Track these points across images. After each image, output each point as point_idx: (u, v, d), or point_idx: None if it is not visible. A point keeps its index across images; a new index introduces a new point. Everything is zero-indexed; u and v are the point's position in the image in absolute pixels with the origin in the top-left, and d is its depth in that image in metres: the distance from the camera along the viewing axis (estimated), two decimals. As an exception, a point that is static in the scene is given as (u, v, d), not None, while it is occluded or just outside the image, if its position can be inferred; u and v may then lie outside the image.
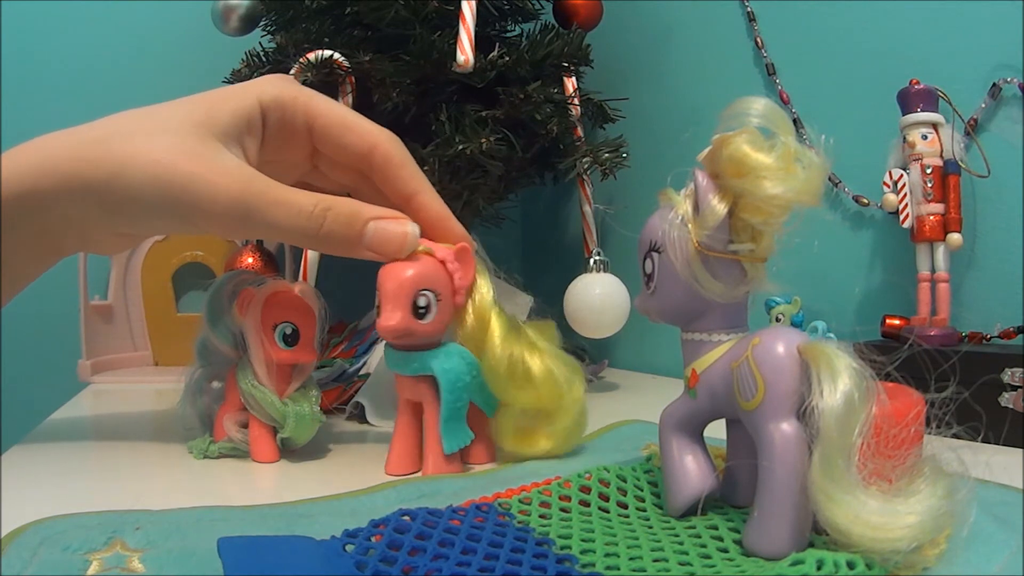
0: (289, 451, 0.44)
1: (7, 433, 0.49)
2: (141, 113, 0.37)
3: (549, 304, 0.77)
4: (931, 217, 0.55)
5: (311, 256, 0.62)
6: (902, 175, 0.56)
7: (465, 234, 0.42)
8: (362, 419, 0.54)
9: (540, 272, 1.09)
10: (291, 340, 0.42)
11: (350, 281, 0.79)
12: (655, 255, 0.30)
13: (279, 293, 0.42)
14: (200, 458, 0.43)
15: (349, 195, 0.40)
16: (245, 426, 0.43)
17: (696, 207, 0.28)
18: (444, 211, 0.41)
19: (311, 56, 0.63)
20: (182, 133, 0.36)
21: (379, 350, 0.67)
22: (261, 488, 0.38)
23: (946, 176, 0.55)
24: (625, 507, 0.32)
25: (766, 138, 0.27)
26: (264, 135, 0.39)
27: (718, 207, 0.27)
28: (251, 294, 0.42)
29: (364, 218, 0.37)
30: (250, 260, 0.79)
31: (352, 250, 0.38)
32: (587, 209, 0.73)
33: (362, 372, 0.64)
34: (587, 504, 0.32)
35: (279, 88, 0.39)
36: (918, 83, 0.56)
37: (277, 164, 0.41)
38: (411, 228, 0.38)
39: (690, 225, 0.28)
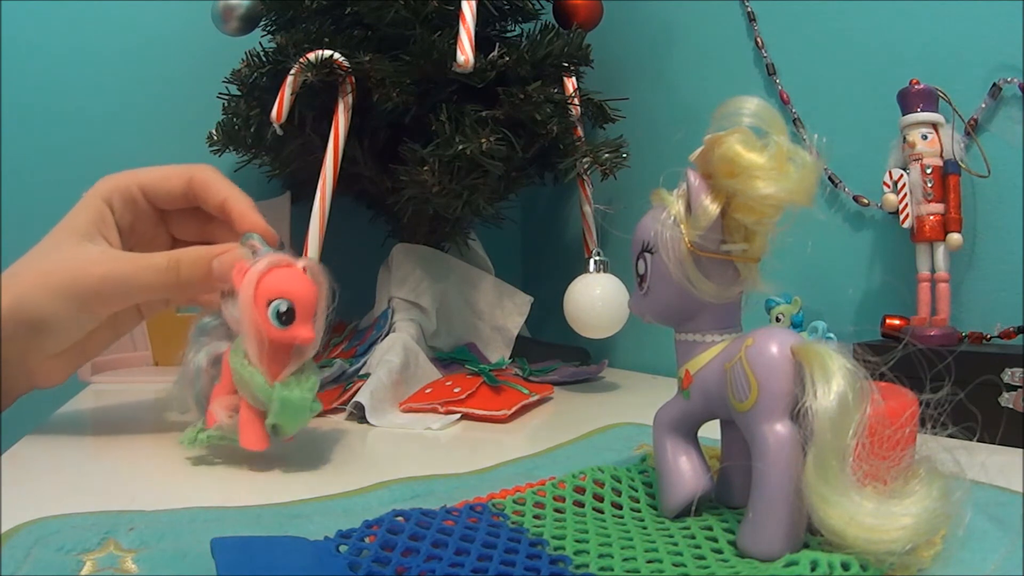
0: (282, 444, 0.41)
1: (7, 433, 0.49)
2: (28, 253, 0.46)
3: (549, 304, 0.77)
4: (931, 217, 0.55)
5: (311, 248, 0.62)
6: (902, 175, 0.56)
7: (263, 225, 0.47)
8: (362, 419, 0.54)
9: (540, 272, 1.09)
10: (286, 318, 0.39)
11: (350, 281, 0.79)
12: (648, 256, 0.30)
13: (278, 267, 0.40)
14: (190, 447, 0.41)
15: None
16: (238, 411, 0.41)
17: (688, 207, 0.28)
18: (247, 209, 0.48)
19: (311, 56, 0.63)
20: (55, 248, 0.45)
21: (379, 350, 0.67)
22: (259, 488, 0.38)
23: (946, 176, 0.55)
24: (619, 507, 0.32)
25: (759, 137, 0.27)
26: (119, 221, 0.48)
27: (710, 207, 0.27)
28: (245, 266, 0.40)
29: (210, 257, 0.44)
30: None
31: (209, 287, 0.45)
32: (587, 209, 0.73)
33: (362, 372, 0.64)
34: (581, 504, 0.32)
35: (114, 180, 0.48)
36: (918, 83, 0.56)
37: (140, 244, 0.49)
38: (242, 251, 0.44)
39: (682, 225, 0.28)
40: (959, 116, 0.57)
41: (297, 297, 0.39)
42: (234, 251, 0.44)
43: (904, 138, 0.56)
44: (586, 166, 0.70)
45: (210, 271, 0.44)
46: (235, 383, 0.40)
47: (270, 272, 0.39)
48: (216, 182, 0.49)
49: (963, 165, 0.55)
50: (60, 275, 0.43)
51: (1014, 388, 0.45)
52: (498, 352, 0.79)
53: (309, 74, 0.63)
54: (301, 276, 0.40)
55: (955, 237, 0.54)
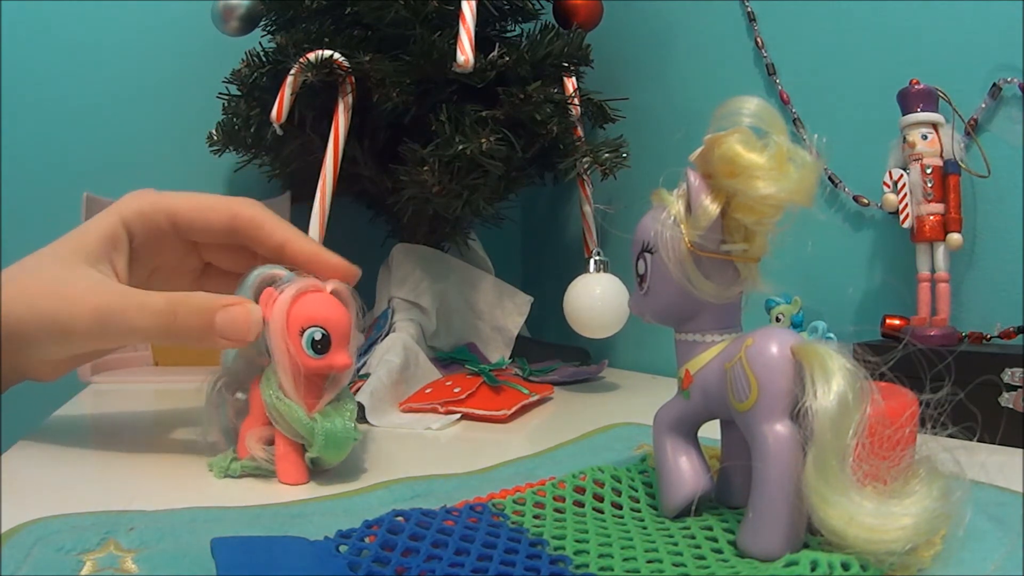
0: (320, 472, 0.39)
1: (7, 433, 0.49)
2: (31, 256, 0.42)
3: (549, 304, 0.77)
4: (931, 217, 0.55)
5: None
6: (902, 175, 0.56)
7: (342, 263, 0.43)
8: (362, 419, 0.54)
9: (540, 272, 1.09)
10: (321, 347, 0.37)
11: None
12: (648, 256, 0.30)
13: (307, 293, 0.38)
14: (221, 477, 0.38)
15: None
16: (271, 443, 0.39)
17: (688, 207, 0.28)
18: (316, 249, 0.43)
19: (311, 56, 0.63)
20: (52, 264, 0.41)
21: (379, 350, 0.67)
22: (259, 488, 0.38)
23: (946, 176, 0.55)
24: (619, 507, 0.32)
25: (759, 137, 0.27)
26: (134, 246, 0.44)
27: (710, 207, 0.27)
28: (274, 294, 0.38)
29: (214, 308, 0.39)
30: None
31: (207, 340, 0.40)
32: (587, 209, 0.73)
33: (362, 372, 0.64)
34: (581, 504, 0.32)
35: (141, 202, 0.44)
36: (918, 83, 0.56)
37: (163, 269, 0.46)
38: (253, 308, 0.39)
39: (682, 225, 0.28)
40: (959, 116, 0.57)
41: (331, 323, 0.37)
42: (244, 306, 0.39)
43: (904, 138, 0.56)
44: (586, 166, 0.70)
45: (211, 324, 0.39)
46: (270, 417, 0.38)
47: (300, 299, 0.38)
48: (268, 222, 0.43)
49: (963, 165, 0.55)
50: (48, 301, 0.40)
51: (1014, 388, 0.45)
52: (498, 352, 0.79)
53: (309, 74, 0.63)
54: (332, 301, 0.38)
55: (955, 237, 0.54)
